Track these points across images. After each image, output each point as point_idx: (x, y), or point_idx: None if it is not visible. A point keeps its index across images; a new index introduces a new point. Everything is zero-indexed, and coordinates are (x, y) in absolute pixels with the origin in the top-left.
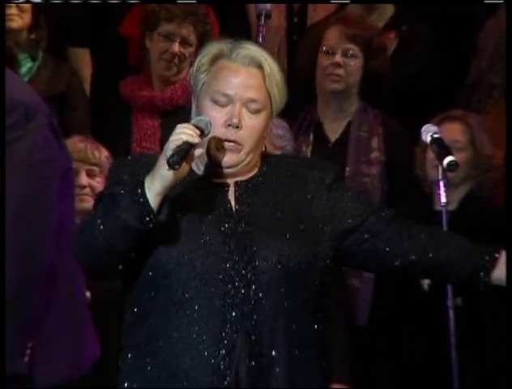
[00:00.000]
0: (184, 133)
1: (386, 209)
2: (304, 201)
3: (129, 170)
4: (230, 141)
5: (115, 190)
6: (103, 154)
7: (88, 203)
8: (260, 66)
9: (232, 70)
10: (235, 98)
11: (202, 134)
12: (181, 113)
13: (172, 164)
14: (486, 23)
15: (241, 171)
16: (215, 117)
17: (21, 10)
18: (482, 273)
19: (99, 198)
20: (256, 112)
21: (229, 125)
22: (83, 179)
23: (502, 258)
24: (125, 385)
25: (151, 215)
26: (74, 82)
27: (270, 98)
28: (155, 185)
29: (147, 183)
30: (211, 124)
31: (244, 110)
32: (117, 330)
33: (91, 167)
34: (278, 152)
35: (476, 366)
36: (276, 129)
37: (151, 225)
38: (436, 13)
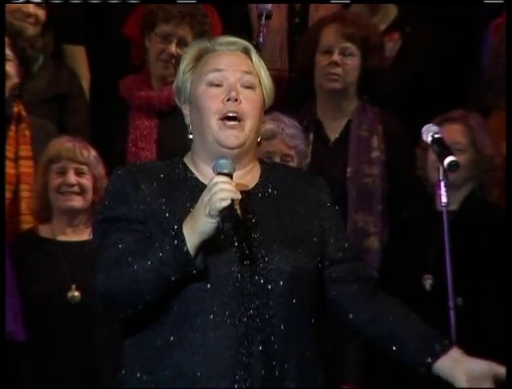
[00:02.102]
0: (225, 190)
1: (364, 267)
2: (305, 215)
3: (134, 185)
4: (232, 114)
5: (121, 215)
6: (91, 153)
7: (77, 201)
8: (245, 51)
9: (220, 55)
10: (228, 74)
11: (231, 178)
12: (178, 113)
13: (228, 231)
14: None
15: (242, 156)
16: (214, 96)
17: (38, 21)
18: (428, 358)
19: (102, 218)
20: (250, 86)
21: (228, 99)
22: (72, 177)
23: (452, 353)
24: None
25: (192, 267)
26: (74, 84)
27: (260, 81)
28: (196, 238)
29: (187, 235)
30: (234, 164)
31: (239, 86)
32: (106, 330)
33: (79, 166)
34: (291, 152)
35: None
36: (288, 128)
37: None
38: (439, 14)
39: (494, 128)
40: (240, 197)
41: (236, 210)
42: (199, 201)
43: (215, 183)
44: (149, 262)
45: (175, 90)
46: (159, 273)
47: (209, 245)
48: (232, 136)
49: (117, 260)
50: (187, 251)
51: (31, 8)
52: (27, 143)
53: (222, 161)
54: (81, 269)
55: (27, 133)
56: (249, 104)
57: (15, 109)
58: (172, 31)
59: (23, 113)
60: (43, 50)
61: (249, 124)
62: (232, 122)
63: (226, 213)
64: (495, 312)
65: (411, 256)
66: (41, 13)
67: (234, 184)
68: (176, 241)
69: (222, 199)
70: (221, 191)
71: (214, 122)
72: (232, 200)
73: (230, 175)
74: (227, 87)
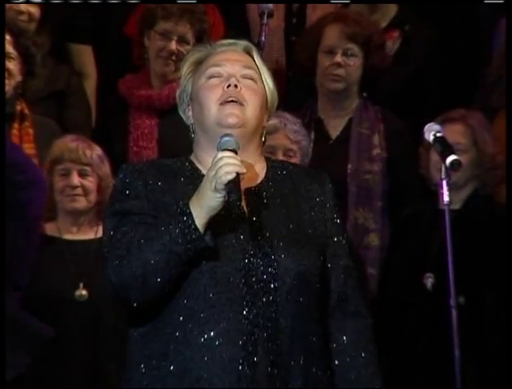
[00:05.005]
0: (230, 164)
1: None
2: (310, 213)
3: (142, 181)
4: (232, 98)
5: (131, 209)
6: (94, 152)
7: (80, 203)
8: (246, 50)
9: (220, 53)
10: (227, 68)
11: (236, 154)
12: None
13: (234, 203)
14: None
15: (245, 141)
16: (214, 86)
17: (31, 18)
18: None
19: (112, 213)
20: (250, 78)
21: (228, 85)
22: (75, 179)
23: None
24: None
25: (203, 244)
26: (73, 80)
27: (261, 77)
28: (203, 214)
29: (194, 212)
30: (237, 141)
31: (239, 77)
32: (113, 328)
33: (82, 167)
34: (294, 147)
35: (478, 366)
36: (291, 124)
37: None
38: (438, 12)
39: (500, 131)
40: (245, 171)
41: (239, 180)
42: (205, 177)
43: (220, 158)
44: (159, 243)
45: (178, 99)
46: (169, 252)
47: (216, 243)
48: (233, 115)
49: (128, 248)
50: (196, 227)
51: (22, 6)
52: (30, 141)
53: (226, 138)
54: (87, 268)
55: (31, 131)
56: (250, 92)
57: (19, 108)
58: (171, 28)
59: (27, 111)
60: (40, 48)
61: (249, 110)
62: (231, 104)
63: (232, 186)
64: (497, 311)
65: (412, 254)
66: (34, 10)
67: (239, 159)
68: (184, 218)
69: (227, 172)
70: (226, 165)
71: (214, 108)
72: (238, 174)
73: (234, 151)
74: (226, 77)
